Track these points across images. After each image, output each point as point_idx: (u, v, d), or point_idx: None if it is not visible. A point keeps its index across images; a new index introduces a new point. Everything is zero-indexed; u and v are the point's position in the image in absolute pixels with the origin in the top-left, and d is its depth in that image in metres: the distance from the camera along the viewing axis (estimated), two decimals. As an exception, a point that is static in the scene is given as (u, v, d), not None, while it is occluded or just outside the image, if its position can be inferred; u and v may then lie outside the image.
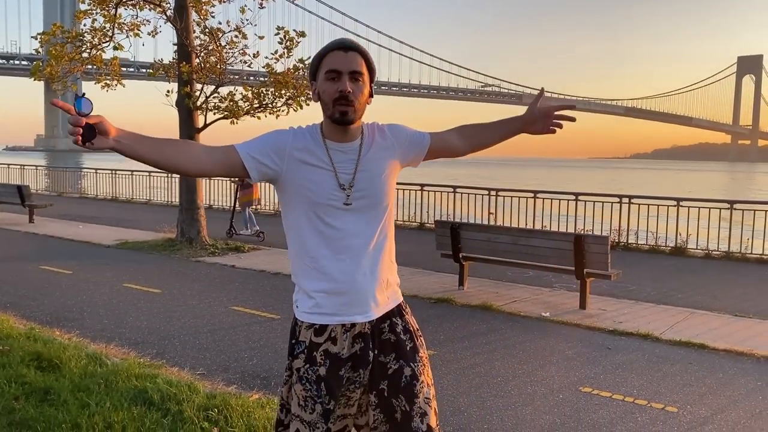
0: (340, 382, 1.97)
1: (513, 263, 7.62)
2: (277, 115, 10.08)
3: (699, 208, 11.63)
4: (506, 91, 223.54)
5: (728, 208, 11.23)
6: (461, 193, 14.17)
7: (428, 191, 14.47)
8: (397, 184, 2.17)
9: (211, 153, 1.90)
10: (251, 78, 10.21)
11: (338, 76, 1.89)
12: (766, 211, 11.15)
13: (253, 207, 12.10)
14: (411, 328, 2.07)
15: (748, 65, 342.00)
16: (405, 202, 14.54)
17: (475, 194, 14.09)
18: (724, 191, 50.45)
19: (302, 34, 9.86)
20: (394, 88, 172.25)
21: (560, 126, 2.14)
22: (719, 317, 6.72)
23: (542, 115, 2.12)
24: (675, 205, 11.66)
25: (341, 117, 1.90)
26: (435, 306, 6.93)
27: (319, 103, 1.97)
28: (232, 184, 13.27)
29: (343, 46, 1.93)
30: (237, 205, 12.15)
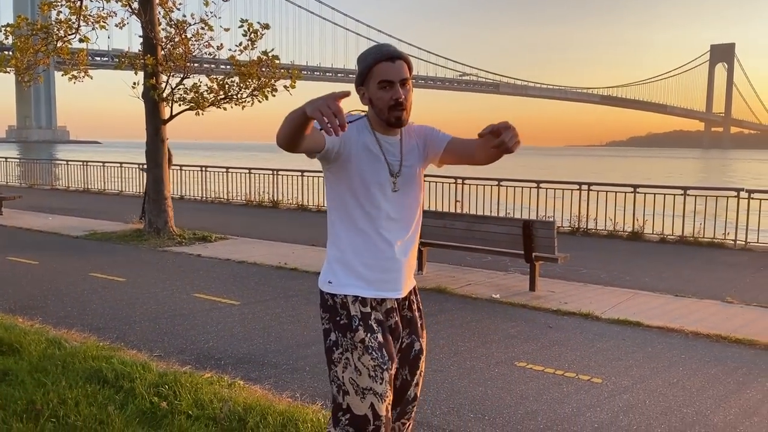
0: (392, 345, 2.19)
1: (468, 248, 7.93)
2: (243, 106, 10.25)
3: (654, 194, 12.05)
4: (483, 80, 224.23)
5: (681, 194, 11.67)
6: (428, 182, 14.45)
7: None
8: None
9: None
10: (228, 67, 10.30)
11: (390, 85, 2.12)
12: (717, 196, 11.62)
13: None
14: (421, 307, 2.38)
15: (720, 53, 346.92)
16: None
17: (442, 183, 14.39)
18: (698, 178, 51.48)
19: (266, 27, 10.02)
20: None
21: (500, 145, 1.99)
22: (660, 297, 7.10)
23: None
24: (632, 192, 12.09)
25: (397, 122, 2.16)
26: (392, 290, 7.21)
27: (369, 106, 2.19)
28: (142, 171, 13.75)
29: (391, 57, 2.13)
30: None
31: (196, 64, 10.76)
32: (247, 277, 7.69)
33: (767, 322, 6.11)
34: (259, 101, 10.03)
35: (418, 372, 2.32)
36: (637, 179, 21.39)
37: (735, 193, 11.35)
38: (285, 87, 10.28)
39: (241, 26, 9.80)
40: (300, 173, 15.85)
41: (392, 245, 2.18)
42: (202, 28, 10.40)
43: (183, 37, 10.22)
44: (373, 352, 2.11)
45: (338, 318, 2.16)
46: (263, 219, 13.80)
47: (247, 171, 16.74)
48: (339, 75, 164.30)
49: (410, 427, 2.39)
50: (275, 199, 15.99)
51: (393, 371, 2.18)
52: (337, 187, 2.19)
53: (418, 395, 2.35)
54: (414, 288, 2.34)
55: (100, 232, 11.02)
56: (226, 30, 10.42)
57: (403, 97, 2.12)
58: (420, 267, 8.10)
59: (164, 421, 3.32)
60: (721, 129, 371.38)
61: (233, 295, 6.75)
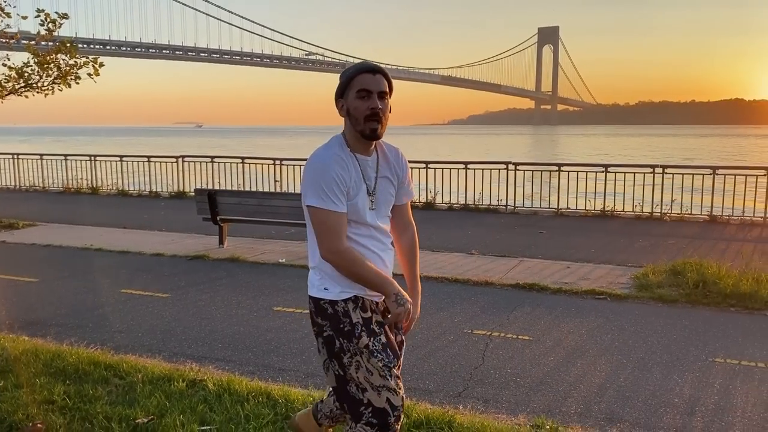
0: (393, 342, 2.38)
1: (261, 221, 8.98)
2: (46, 94, 10.43)
3: (442, 169, 13.87)
4: (330, 59, 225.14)
5: (464, 168, 13.58)
6: (249, 164, 15.30)
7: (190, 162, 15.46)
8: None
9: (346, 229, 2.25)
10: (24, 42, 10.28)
11: (368, 95, 2.21)
12: (491, 169, 13.66)
13: None
14: None
15: (547, 36, 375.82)
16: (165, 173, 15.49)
17: (262, 164, 15.31)
18: (511, 153, 56.64)
19: (64, 16, 10.25)
20: (215, 55, 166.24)
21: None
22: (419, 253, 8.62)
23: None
24: (424, 168, 13.81)
25: (372, 134, 2.23)
26: (190, 261, 8.09)
27: (345, 118, 2.28)
28: None
29: (372, 70, 2.24)
30: None
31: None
32: (50, 259, 8.17)
33: (489, 266, 7.83)
34: (60, 89, 10.28)
35: (401, 361, 2.54)
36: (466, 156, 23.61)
37: (504, 166, 13.44)
38: (89, 75, 10.58)
39: (38, 16, 9.96)
40: (119, 158, 15.97)
41: (378, 255, 2.35)
42: (-2, 15, 10.38)
43: (-25, 24, 10.13)
44: (379, 354, 2.27)
45: (342, 326, 2.28)
46: (80, 205, 13.87)
47: (63, 157, 16.48)
48: (177, 53, 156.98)
49: None
50: (94, 185, 15.97)
51: (400, 363, 2.47)
52: None
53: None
54: None
55: None
56: (24, 18, 10.47)
57: (380, 107, 2.22)
58: (221, 241, 9.04)
59: (-55, 368, 4.04)
60: (549, 107, 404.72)
61: (33, 274, 7.27)
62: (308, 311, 2.42)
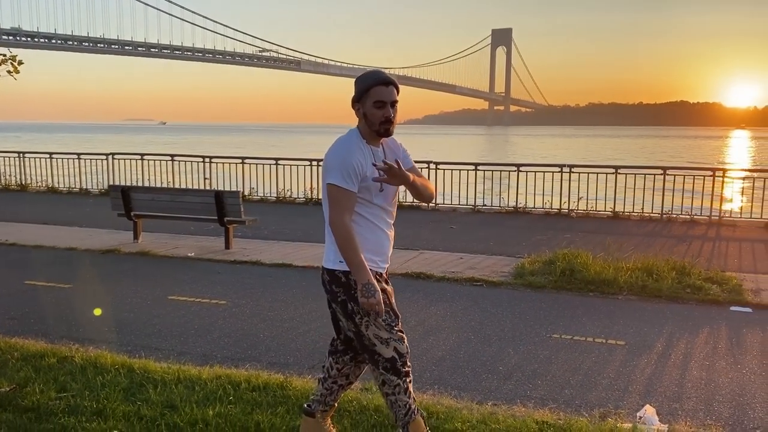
0: (393, 303, 2.85)
1: (173, 217, 9.31)
2: (-37, 92, 10.51)
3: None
4: (285, 56, 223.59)
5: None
6: (178, 162, 15.52)
7: (120, 159, 15.66)
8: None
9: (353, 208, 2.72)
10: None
11: (383, 105, 2.71)
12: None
13: None
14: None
15: (500, 37, 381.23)
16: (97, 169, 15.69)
17: (191, 162, 15.55)
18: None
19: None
20: (165, 51, 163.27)
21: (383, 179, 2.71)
22: (315, 246, 8.88)
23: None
24: (309, 165, 14.19)
25: (385, 132, 2.76)
26: (102, 255, 8.38)
27: (361, 118, 2.75)
28: None
29: (386, 82, 2.72)
30: None
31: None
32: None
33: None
34: (-23, 88, 10.38)
35: None
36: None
37: (426, 165, 14.04)
38: (9, 72, 10.70)
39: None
40: (48, 155, 15.98)
41: (384, 231, 2.83)
42: None
43: None
44: (383, 314, 2.75)
45: (353, 292, 2.73)
46: (5, 202, 13.86)
47: (-9, 154, 16.39)
48: (127, 48, 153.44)
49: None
50: (23, 182, 15.93)
51: (400, 324, 2.88)
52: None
53: None
54: None
55: None
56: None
57: (392, 115, 2.74)
58: (135, 236, 9.34)
59: None
60: (502, 108, 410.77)
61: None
62: (321, 281, 2.86)
